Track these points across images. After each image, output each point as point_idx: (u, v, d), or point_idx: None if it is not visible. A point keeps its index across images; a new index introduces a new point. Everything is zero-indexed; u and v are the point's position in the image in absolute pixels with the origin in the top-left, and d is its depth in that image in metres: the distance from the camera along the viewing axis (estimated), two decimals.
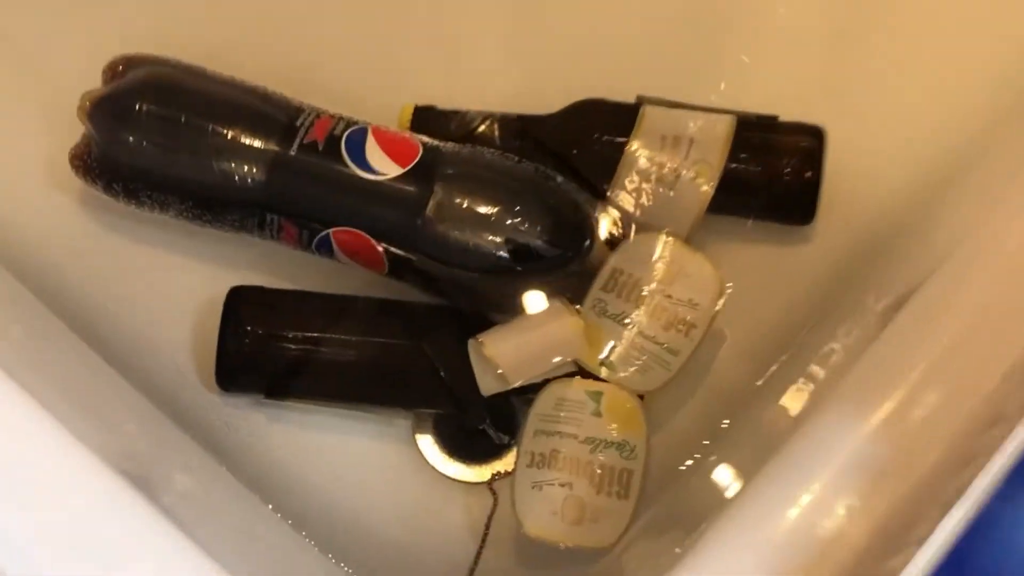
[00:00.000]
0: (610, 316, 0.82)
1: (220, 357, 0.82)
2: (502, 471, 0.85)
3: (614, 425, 0.80)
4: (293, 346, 0.84)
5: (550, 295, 0.83)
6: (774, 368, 0.85)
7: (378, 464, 0.85)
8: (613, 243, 0.85)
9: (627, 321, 0.82)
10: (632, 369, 0.81)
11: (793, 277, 0.87)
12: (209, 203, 0.82)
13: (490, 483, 0.85)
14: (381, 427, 0.85)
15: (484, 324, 0.82)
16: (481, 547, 0.84)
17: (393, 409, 0.86)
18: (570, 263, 0.82)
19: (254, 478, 0.83)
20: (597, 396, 0.81)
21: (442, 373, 0.83)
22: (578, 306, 0.83)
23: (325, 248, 0.83)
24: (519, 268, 0.80)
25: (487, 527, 0.84)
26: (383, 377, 0.84)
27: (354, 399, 0.85)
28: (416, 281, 0.84)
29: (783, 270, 0.87)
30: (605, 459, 0.80)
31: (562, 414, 0.81)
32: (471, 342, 0.82)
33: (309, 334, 0.84)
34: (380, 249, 0.82)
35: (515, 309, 0.82)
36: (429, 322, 0.85)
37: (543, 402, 0.82)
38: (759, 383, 0.85)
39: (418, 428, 0.86)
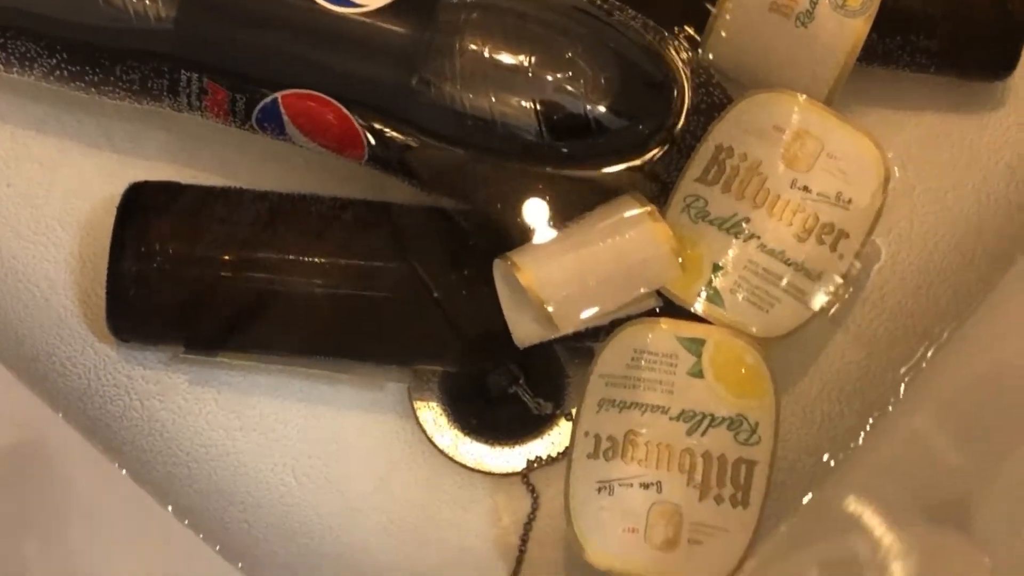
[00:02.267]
0: (713, 221, 0.56)
1: (113, 290, 0.57)
2: (544, 456, 0.61)
3: (724, 391, 0.55)
4: (225, 272, 0.58)
5: (617, 191, 0.57)
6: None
7: (360, 449, 0.61)
8: (713, 110, 0.58)
9: (741, 228, 0.55)
10: (750, 304, 0.55)
11: (982, 162, 0.62)
12: (93, 56, 0.58)
13: (526, 475, 0.61)
14: (364, 394, 0.61)
15: (515, 238, 0.57)
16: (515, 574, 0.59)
17: (381, 366, 0.61)
18: (646, 140, 0.56)
19: (167, 480, 0.59)
20: (697, 346, 0.55)
21: (446, 309, 0.57)
22: (662, 207, 0.56)
23: (272, 122, 0.58)
24: (566, 149, 0.56)
25: (523, 543, 0.59)
26: (364, 318, 0.58)
27: (321, 351, 0.60)
28: (409, 173, 0.58)
29: (967, 152, 0.62)
30: (712, 445, 0.54)
31: (642, 376, 0.55)
32: (498, 263, 0.56)
33: (250, 254, 0.58)
34: (355, 123, 0.57)
35: (564, 214, 0.57)
36: (431, 235, 0.59)
37: (612, 356, 0.56)
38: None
39: (418, 393, 0.62)
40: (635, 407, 0.54)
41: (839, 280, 0.55)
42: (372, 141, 0.56)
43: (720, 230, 0.56)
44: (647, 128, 0.56)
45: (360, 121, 0.56)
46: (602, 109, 0.55)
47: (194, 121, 0.59)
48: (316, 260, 0.57)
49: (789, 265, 0.55)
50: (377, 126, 0.56)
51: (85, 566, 0.52)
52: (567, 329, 0.55)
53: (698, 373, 0.55)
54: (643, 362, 0.55)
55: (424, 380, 0.61)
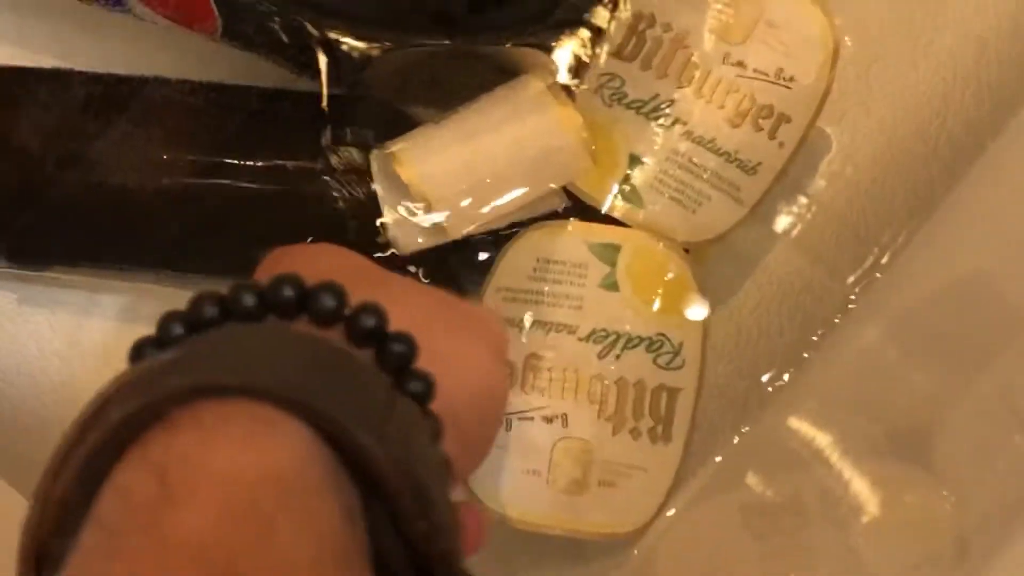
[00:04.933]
0: (631, 104, 0.47)
1: None
2: None
3: (643, 306, 0.46)
4: (49, 168, 0.48)
5: (517, 70, 0.47)
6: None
7: None
8: None
9: (663, 112, 0.46)
10: (674, 202, 0.46)
11: (948, 35, 0.52)
12: None
13: None
14: None
15: (400, 123, 0.48)
16: None
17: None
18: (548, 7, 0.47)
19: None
20: (611, 253, 0.46)
21: (315, 210, 0.47)
22: (574, 83, 0.46)
23: None
24: (454, 17, 0.47)
25: None
26: (216, 221, 0.49)
27: (170, 263, 0.50)
28: (272, 49, 0.48)
29: (931, 23, 0.52)
30: (627, 370, 0.46)
31: (547, 289, 0.46)
32: (375, 155, 0.47)
33: (79, 147, 0.48)
34: None
35: (455, 98, 0.47)
36: (297, 123, 0.49)
37: (511, 267, 0.47)
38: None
39: None
40: (538, 326, 0.46)
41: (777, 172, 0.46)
42: (221, 10, 0.47)
43: (639, 115, 0.46)
44: None
45: None
46: None
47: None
48: (158, 153, 0.48)
49: (720, 155, 0.46)
50: None
51: None
52: (457, 233, 0.45)
53: (612, 285, 0.46)
54: (548, 273, 0.46)
55: None
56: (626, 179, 0.46)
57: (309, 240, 0.47)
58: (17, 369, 0.50)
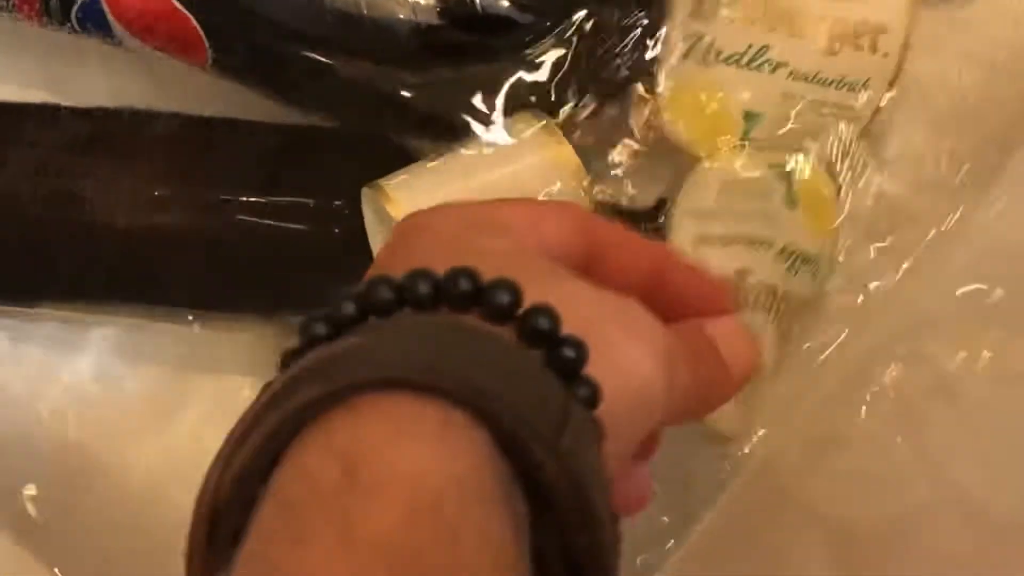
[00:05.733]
0: (729, 60, 0.46)
1: None
2: None
3: (813, 224, 0.46)
4: (35, 207, 0.47)
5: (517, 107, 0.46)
6: None
7: (220, 421, 0.49)
8: None
9: (765, 59, 0.46)
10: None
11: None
12: None
13: None
14: (217, 349, 0.50)
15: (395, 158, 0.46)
16: None
17: (237, 314, 0.50)
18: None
19: None
20: (787, 173, 0.46)
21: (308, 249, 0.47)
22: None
23: (94, 20, 0.47)
24: (448, 50, 0.46)
25: None
26: (204, 259, 0.47)
27: (160, 299, 0.48)
28: (262, 82, 0.48)
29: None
30: (798, 285, 0.46)
31: (738, 207, 0.46)
32: (367, 193, 0.46)
33: (65, 184, 0.47)
34: (190, 17, 0.46)
35: (449, 131, 0.46)
36: (289, 159, 0.48)
37: (696, 190, 0.46)
38: None
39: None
40: (738, 243, 0.45)
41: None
42: (213, 39, 0.46)
43: (740, 68, 0.46)
44: (548, 21, 0.46)
45: (193, 13, 0.45)
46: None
47: (11, 27, 0.48)
48: (148, 190, 0.46)
49: (829, 86, 0.46)
50: (217, 22, 0.46)
51: None
52: None
53: (791, 202, 0.45)
54: (736, 192, 0.46)
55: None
56: (745, 137, 0.46)
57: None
58: (9, 409, 0.49)
